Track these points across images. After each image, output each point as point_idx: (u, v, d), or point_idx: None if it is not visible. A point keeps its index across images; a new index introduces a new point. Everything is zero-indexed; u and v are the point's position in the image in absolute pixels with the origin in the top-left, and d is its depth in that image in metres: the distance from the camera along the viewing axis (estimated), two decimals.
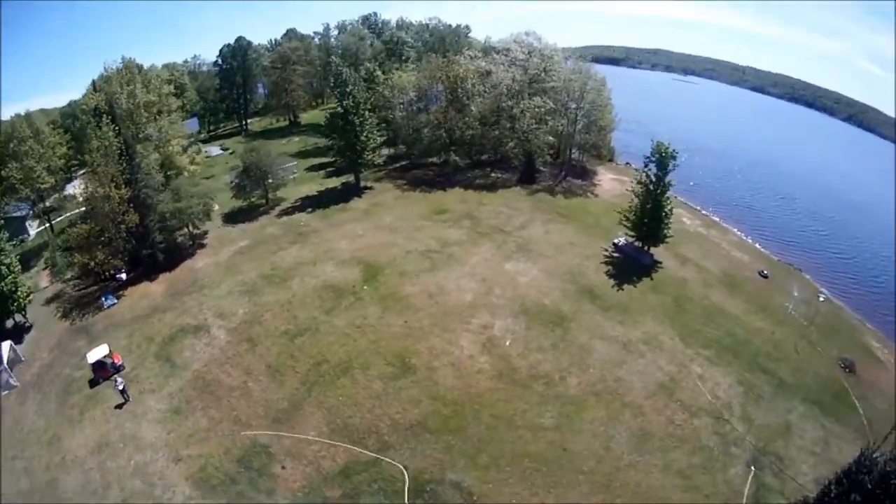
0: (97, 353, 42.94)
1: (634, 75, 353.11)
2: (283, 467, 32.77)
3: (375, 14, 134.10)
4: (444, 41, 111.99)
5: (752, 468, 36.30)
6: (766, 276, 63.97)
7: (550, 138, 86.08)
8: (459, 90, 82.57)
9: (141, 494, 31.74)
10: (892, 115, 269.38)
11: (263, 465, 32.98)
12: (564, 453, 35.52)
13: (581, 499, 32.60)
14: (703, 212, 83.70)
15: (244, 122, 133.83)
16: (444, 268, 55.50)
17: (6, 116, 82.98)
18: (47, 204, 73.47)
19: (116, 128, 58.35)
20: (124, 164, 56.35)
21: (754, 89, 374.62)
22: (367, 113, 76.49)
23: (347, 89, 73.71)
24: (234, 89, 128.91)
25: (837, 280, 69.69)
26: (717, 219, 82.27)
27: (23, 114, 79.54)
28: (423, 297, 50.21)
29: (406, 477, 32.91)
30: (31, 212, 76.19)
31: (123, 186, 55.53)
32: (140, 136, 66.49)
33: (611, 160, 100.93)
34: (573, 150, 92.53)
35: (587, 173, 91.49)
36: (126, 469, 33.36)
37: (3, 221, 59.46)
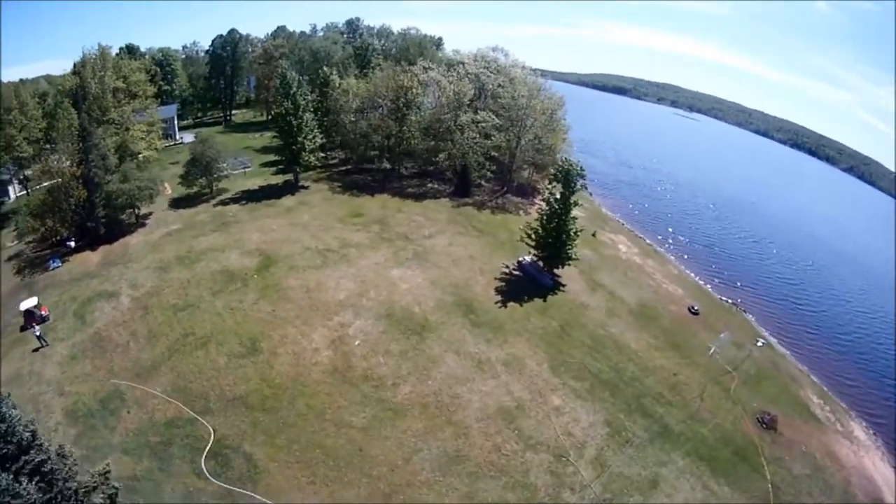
0: (28, 304, 53.88)
1: (636, 107, 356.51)
2: (129, 412, 42.12)
3: (358, 19, 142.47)
4: (409, 51, 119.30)
5: None
6: (696, 313, 61.85)
7: (493, 153, 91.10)
8: (401, 100, 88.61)
9: (27, 416, 42.62)
10: (892, 168, 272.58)
11: (116, 407, 42.55)
12: (359, 454, 38.01)
13: (353, 499, 34.86)
14: (648, 241, 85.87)
15: (228, 113, 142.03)
16: (332, 266, 61.33)
17: (23, 76, 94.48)
18: (27, 172, 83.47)
19: (78, 111, 68.47)
20: (81, 144, 66.15)
21: (758, 132, 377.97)
22: (306, 115, 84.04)
23: (291, 91, 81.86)
24: (222, 80, 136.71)
25: (790, 329, 66.89)
26: (669, 253, 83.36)
27: (16, 81, 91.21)
28: (301, 290, 56.30)
29: (211, 439, 38.70)
30: (11, 177, 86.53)
31: (76, 164, 65.84)
32: (104, 119, 76.33)
33: None
34: (521, 168, 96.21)
35: (531, 192, 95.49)
36: (25, 396, 42.84)
37: None
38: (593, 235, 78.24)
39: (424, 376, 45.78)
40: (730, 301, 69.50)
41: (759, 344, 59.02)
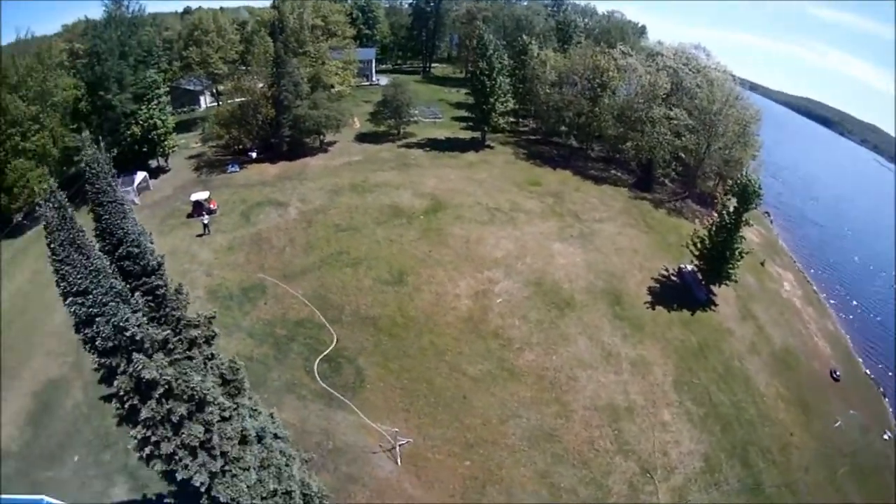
0: (199, 195, 56.21)
1: (838, 142, 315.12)
2: (266, 303, 42.87)
3: None
4: (610, 33, 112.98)
5: None
6: (836, 379, 54.04)
7: (681, 154, 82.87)
8: (597, 80, 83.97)
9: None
10: None
11: (255, 297, 43.35)
12: (461, 400, 37.85)
13: (438, 439, 35.03)
14: (815, 288, 73.86)
15: (427, 65, 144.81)
16: (497, 225, 59.18)
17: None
18: (220, 87, 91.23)
19: (275, 41, 70.94)
20: (275, 70, 68.59)
21: None
22: (500, 78, 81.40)
23: (487, 53, 79.84)
24: (424, 32, 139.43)
25: None
26: (831, 307, 70.54)
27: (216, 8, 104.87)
28: (461, 240, 55.07)
29: (332, 346, 40.02)
30: (203, 89, 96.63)
31: (268, 87, 68.48)
32: (300, 51, 77.71)
33: None
34: (707, 176, 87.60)
35: (712, 203, 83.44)
36: (176, 270, 42.98)
37: (168, 89, 73.43)
38: (761, 264, 68.06)
39: (551, 350, 43.85)
40: (874, 379, 58.52)
41: (886, 437, 49.66)
